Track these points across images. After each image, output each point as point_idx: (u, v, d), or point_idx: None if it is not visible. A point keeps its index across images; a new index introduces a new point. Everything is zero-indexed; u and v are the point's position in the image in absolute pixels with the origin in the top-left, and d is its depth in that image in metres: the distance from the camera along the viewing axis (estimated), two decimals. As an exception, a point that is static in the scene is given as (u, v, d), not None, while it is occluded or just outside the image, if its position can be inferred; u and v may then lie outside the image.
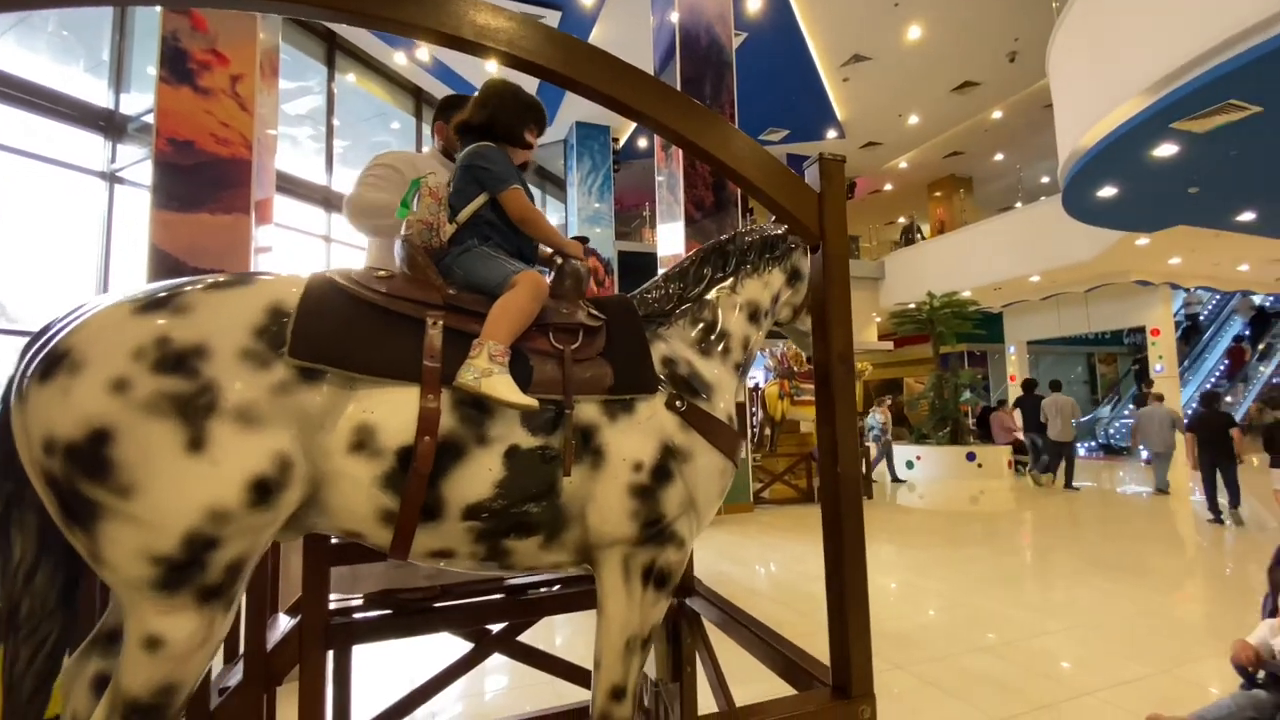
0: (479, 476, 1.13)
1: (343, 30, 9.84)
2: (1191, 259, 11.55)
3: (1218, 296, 17.84)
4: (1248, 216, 8.81)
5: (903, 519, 7.98)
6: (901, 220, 17.28)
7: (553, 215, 14.48)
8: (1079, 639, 3.58)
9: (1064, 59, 7.41)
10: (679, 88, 8.01)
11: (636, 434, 1.24)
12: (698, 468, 1.29)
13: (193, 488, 0.94)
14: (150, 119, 5.63)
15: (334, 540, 1.70)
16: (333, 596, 1.96)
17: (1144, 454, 10.56)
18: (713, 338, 1.48)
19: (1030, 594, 4.58)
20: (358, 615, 1.87)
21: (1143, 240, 10.03)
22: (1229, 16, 4.79)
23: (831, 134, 13.92)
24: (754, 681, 1.62)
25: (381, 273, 1.24)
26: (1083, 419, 16.21)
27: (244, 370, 1.01)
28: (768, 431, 9.57)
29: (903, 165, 16.23)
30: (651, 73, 8.78)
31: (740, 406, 7.62)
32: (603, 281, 12.65)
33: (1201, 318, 17.97)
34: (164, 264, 5.15)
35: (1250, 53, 4.77)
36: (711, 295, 1.52)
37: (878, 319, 16.34)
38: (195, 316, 1.02)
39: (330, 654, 2.14)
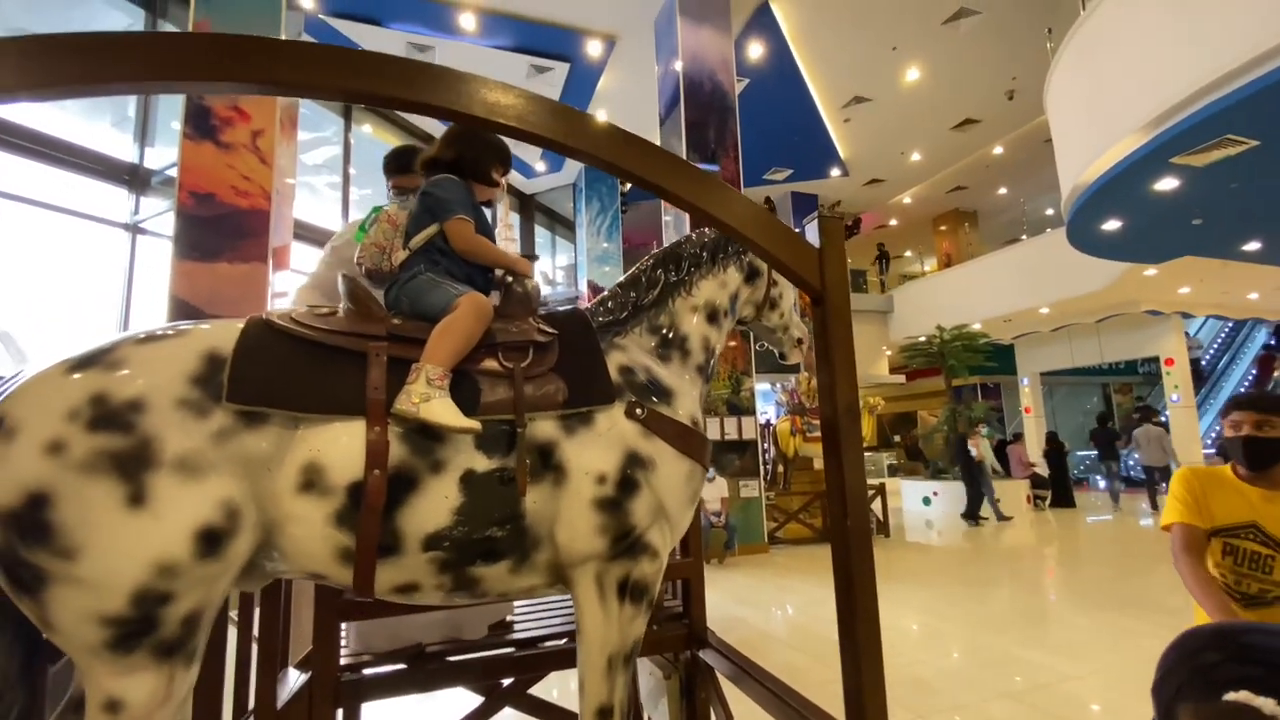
0: (436, 505, 1.12)
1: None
2: (1200, 288, 11.49)
3: (1224, 333, 17.70)
4: (1253, 246, 8.80)
5: (921, 558, 7.80)
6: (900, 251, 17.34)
7: (562, 256, 14.72)
8: (1106, 683, 3.45)
9: (1061, 97, 7.55)
10: (684, 133, 8.22)
11: (597, 446, 1.23)
12: (664, 474, 1.28)
13: (137, 544, 0.93)
14: (174, 173, 5.85)
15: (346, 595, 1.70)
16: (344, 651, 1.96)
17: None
18: (671, 342, 1.48)
19: (1054, 634, 4.44)
20: (368, 671, 1.86)
21: (1150, 271, 10.01)
22: (1222, 54, 4.89)
23: (835, 172, 14.15)
24: (769, 737, 1.59)
25: (322, 310, 1.25)
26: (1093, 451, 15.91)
27: (182, 420, 1.00)
28: (780, 469, 9.46)
29: (907, 201, 16.41)
30: (657, 119, 9.04)
31: (749, 440, 7.44)
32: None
33: (1204, 361, 17.74)
34: (184, 312, 5.29)
35: (1244, 89, 4.85)
36: (667, 300, 1.52)
37: (888, 352, 16.29)
38: (129, 371, 1.01)
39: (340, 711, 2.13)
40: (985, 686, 3.47)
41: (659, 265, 1.56)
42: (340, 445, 1.09)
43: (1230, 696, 1.04)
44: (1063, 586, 6.12)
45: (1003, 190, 16.07)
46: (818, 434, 9.17)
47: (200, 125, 5.91)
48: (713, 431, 7.66)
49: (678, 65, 8.28)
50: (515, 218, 13.87)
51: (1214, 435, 14.45)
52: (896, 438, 20.01)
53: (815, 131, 12.38)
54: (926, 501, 11.35)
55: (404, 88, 1.03)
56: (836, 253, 1.29)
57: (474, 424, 1.14)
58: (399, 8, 8.82)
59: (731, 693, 1.80)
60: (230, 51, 0.92)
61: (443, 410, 1.12)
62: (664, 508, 1.29)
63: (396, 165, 2.05)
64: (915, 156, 13.93)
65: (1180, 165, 5.95)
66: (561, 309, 1.53)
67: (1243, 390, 13.53)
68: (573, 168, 13.34)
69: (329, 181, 10.19)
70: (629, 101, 10.47)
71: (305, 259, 7.88)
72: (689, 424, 1.37)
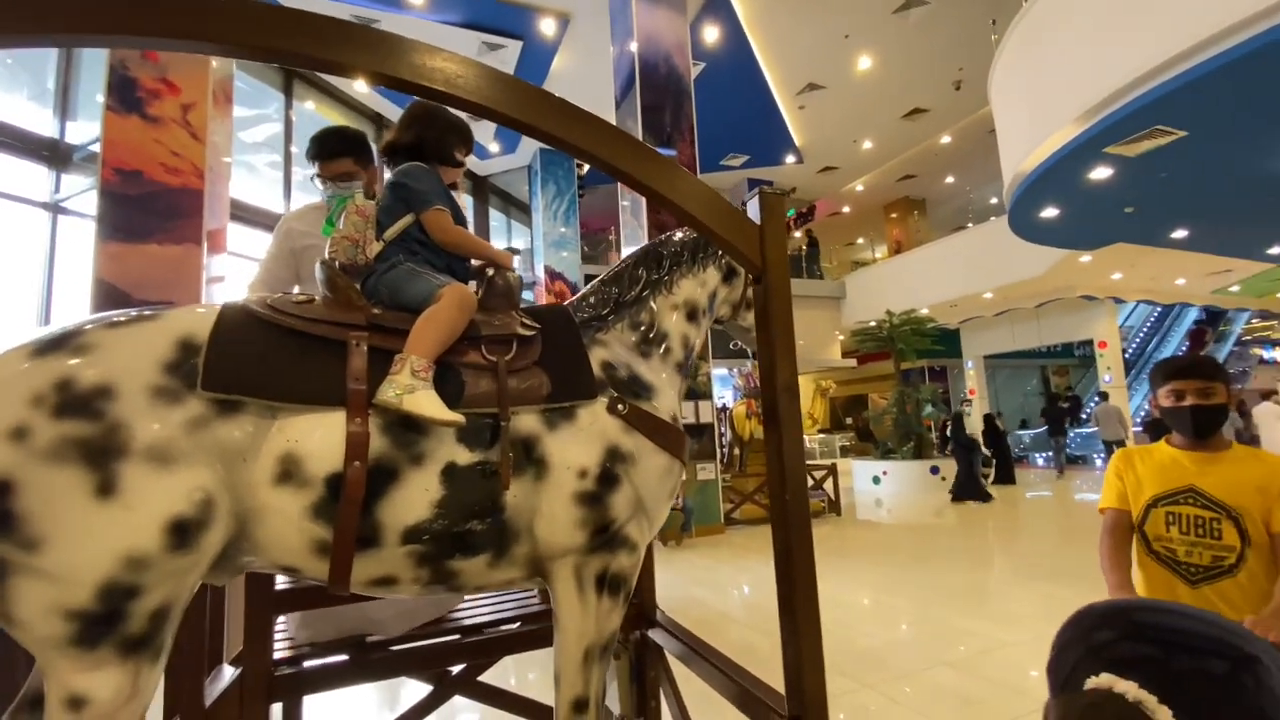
0: (416, 498, 1.11)
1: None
2: (1131, 274, 12.12)
3: (1153, 318, 18.75)
4: (1180, 234, 9.31)
5: (871, 535, 8.06)
6: (797, 235, 17.50)
7: (518, 240, 14.48)
8: (1040, 649, 3.62)
9: (1004, 88, 7.79)
10: (640, 116, 8.15)
11: (579, 441, 1.24)
12: (644, 469, 1.29)
13: (105, 535, 0.90)
14: (97, 148, 5.48)
15: (278, 586, 1.63)
16: (283, 643, 1.89)
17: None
18: (652, 339, 1.49)
19: (994, 605, 4.65)
20: (308, 663, 1.80)
21: (1085, 257, 10.50)
22: (1154, 47, 5.11)
23: (790, 159, 14.29)
24: (720, 713, 1.61)
25: (300, 297, 1.21)
26: (1039, 430, 16.72)
27: (154, 408, 0.97)
28: (736, 451, 9.60)
29: (859, 188, 16.73)
30: (613, 101, 8.93)
31: (706, 423, 7.54)
32: (569, 305, 12.65)
33: (1127, 354, 18.56)
34: (110, 297, 4.97)
35: (1174, 81, 5.09)
36: (648, 297, 1.53)
37: (840, 337, 16.67)
38: (97, 356, 0.98)
39: (280, 705, 2.06)
40: (930, 656, 3.61)
41: (640, 263, 1.57)
42: (319, 436, 1.07)
43: (1092, 682, 1.08)
44: (1004, 560, 6.41)
45: (950, 179, 16.56)
46: (773, 417, 9.32)
47: (125, 97, 5.53)
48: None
49: (633, 46, 8.18)
50: (468, 200, 13.54)
51: (1143, 414, 15.31)
52: (848, 420, 20.57)
53: (771, 118, 12.47)
54: (876, 481, 11.71)
55: (323, 47, 0.97)
56: (777, 230, 1.29)
57: (458, 417, 1.12)
58: (343, -21, 8.45)
59: (680, 671, 1.82)
60: (133, 1, 0.85)
61: (427, 402, 1.10)
62: (643, 502, 1.30)
63: (320, 151, 1.92)
64: (867, 145, 14.19)
65: (1113, 155, 6.22)
66: (544, 305, 1.50)
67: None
68: (528, 149, 13.09)
69: (270, 161, 9.73)
70: (584, 83, 10.30)
71: (243, 242, 7.53)
72: (669, 420, 1.37)
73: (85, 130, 6.53)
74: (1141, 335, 18.91)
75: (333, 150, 1.90)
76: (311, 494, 1.04)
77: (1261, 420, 10.68)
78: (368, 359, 1.14)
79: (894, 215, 17.90)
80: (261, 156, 9.77)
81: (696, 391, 7.91)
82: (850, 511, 9.57)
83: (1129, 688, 0.99)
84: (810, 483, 9.16)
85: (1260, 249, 10.50)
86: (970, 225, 14.86)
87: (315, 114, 10.96)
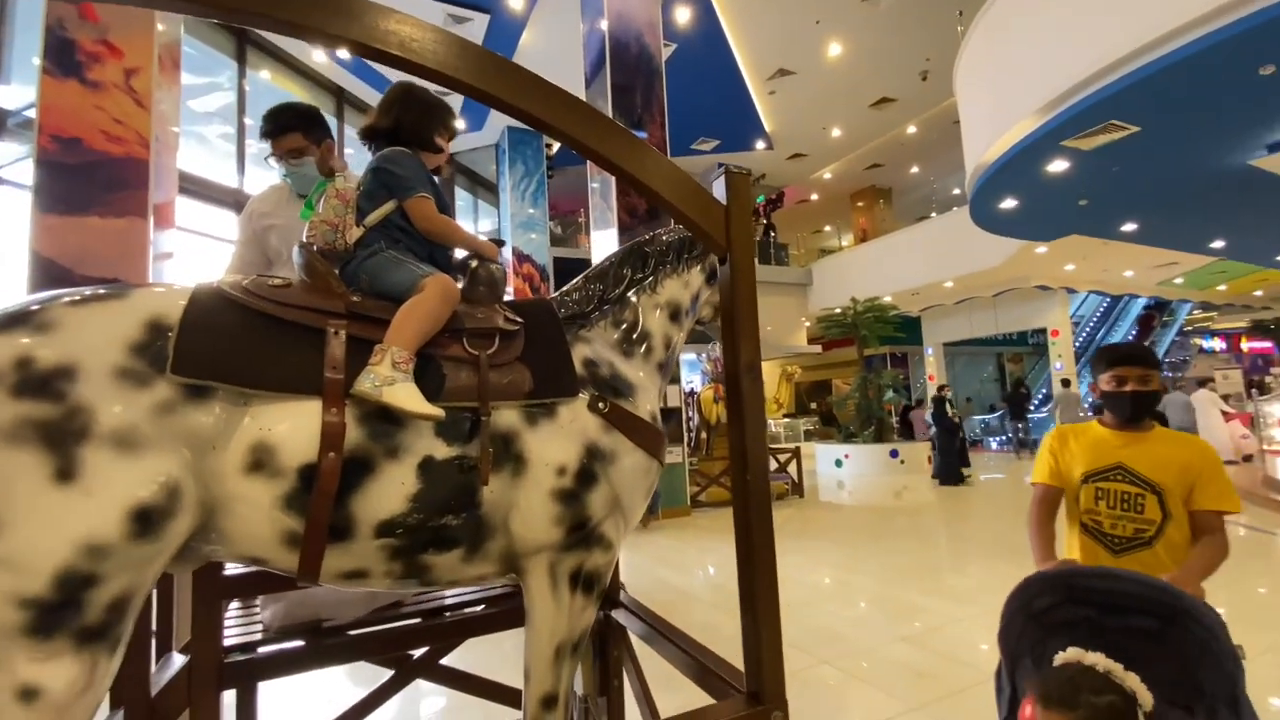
0: (391, 491, 1.09)
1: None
2: (1084, 266, 12.55)
3: (1102, 308, 19.50)
4: (1130, 227, 9.66)
5: (833, 516, 8.25)
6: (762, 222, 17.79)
7: (485, 221, 14.22)
8: (991, 623, 3.77)
9: (968, 80, 7.92)
10: (610, 96, 8.03)
11: (559, 438, 1.23)
12: (623, 468, 1.29)
13: (64, 521, 0.87)
14: (32, 114, 5.15)
15: (226, 571, 1.58)
16: (238, 629, 1.83)
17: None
18: (634, 338, 1.48)
19: (949, 583, 4.82)
20: (262, 650, 1.75)
21: (1041, 248, 10.82)
22: (1108, 43, 5.25)
23: (760, 145, 14.32)
24: (682, 691, 1.62)
25: (276, 281, 1.17)
26: (995, 415, 17.29)
27: (120, 390, 0.93)
28: (703, 435, 9.68)
29: (827, 176, 16.89)
30: (583, 80, 8.78)
31: (674, 408, 7.60)
32: (538, 288, 12.51)
33: (1076, 344, 19.38)
34: (49, 273, 4.71)
35: (1127, 77, 5.24)
36: (632, 296, 1.52)
37: (807, 324, 16.90)
38: (61, 334, 0.93)
39: (235, 693, 2.01)
40: (886, 631, 3.72)
41: (625, 262, 1.56)
42: (293, 425, 1.03)
43: (1061, 657, 1.14)
44: (958, 539, 6.64)
45: (915, 169, 16.83)
46: (739, 401, 9.42)
47: (63, 61, 5.20)
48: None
49: (603, 24, 8.04)
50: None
51: (1090, 399, 15.96)
52: (813, 404, 20.94)
53: (742, 103, 12.45)
54: (839, 464, 11.98)
55: (275, 5, 0.92)
56: (742, 209, 1.28)
57: (437, 411, 1.10)
58: (298, -59, 8.06)
59: (643, 651, 1.83)
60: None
61: (406, 395, 1.08)
62: (620, 500, 1.29)
63: (271, 127, 1.83)
64: (836, 132, 14.30)
65: (1069, 148, 6.40)
66: (527, 299, 1.48)
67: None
68: (495, 127, 12.80)
69: (222, 133, 9.31)
70: (552, 61, 10.10)
71: (194, 217, 7.22)
72: (648, 419, 1.37)
73: (21, 95, 6.14)
74: (1091, 325, 19.66)
75: (283, 125, 1.82)
76: (283, 484, 1.02)
77: (1198, 406, 11.25)
78: (346, 348, 1.11)
79: (861, 204, 18.14)
80: (213, 128, 9.34)
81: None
82: (813, 494, 9.78)
83: (1097, 659, 1.07)
84: (774, 466, 9.34)
85: (1204, 243, 10.99)
86: (934, 215, 15.17)
87: (271, 84, 10.51)
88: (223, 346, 1.03)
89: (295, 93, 10.77)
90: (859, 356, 12.64)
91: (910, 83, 12.18)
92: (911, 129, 14.25)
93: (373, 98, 11.59)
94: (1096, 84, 5.48)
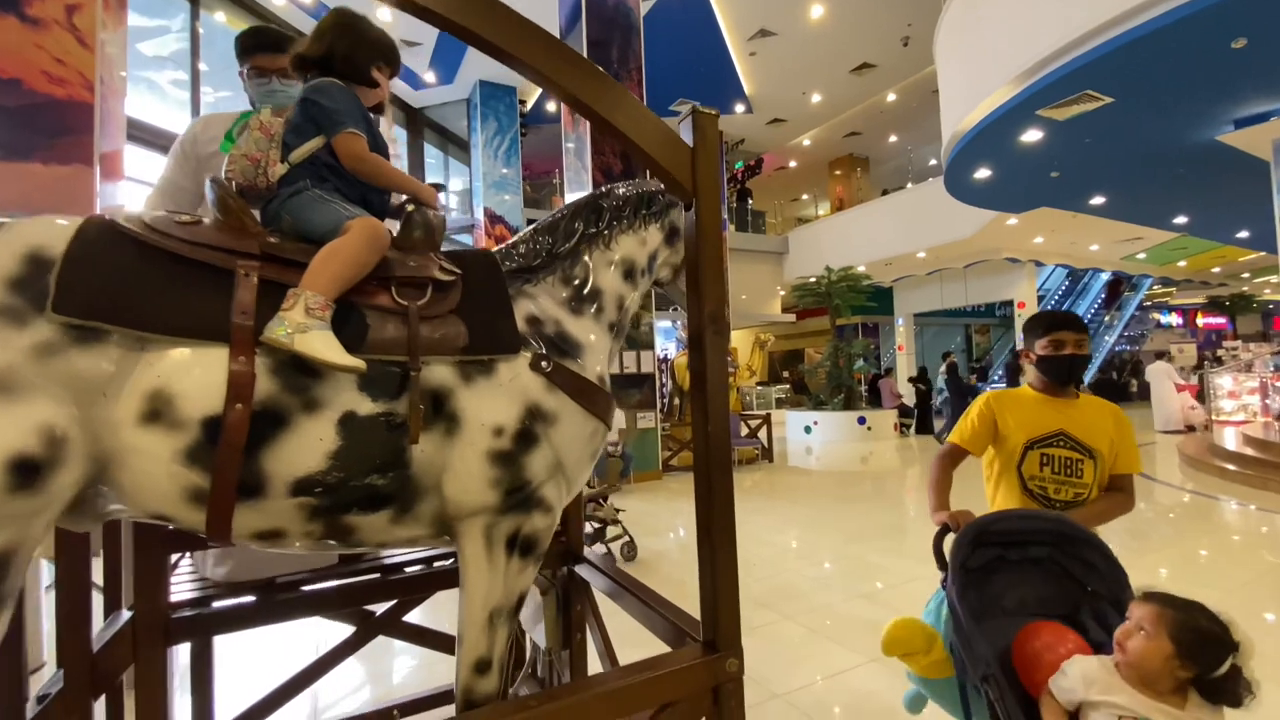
0: (307, 447, 1.03)
1: (208, -37, 8.76)
2: (1052, 239, 12.76)
3: (1067, 281, 19.96)
4: (1098, 200, 9.81)
5: (800, 480, 8.41)
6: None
7: (456, 180, 13.83)
8: (947, 583, 3.92)
9: (947, 45, 7.84)
10: (585, 52, 7.78)
11: (497, 397, 1.18)
12: (565, 430, 1.25)
13: None
14: (-39, 49, 4.78)
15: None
16: (192, 583, 1.79)
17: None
18: (584, 296, 1.42)
19: (908, 543, 4.96)
20: (214, 605, 1.71)
21: (1012, 220, 10.95)
22: (1087, 11, 5.22)
23: (740, 108, 14.10)
24: (643, 645, 1.63)
25: (185, 217, 1.09)
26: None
27: None
28: (677, 401, 9.73)
29: (806, 143, 16.75)
30: (558, 34, 8.46)
31: (647, 374, 7.56)
32: (510, 251, 12.26)
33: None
34: (-15, 221, 4.44)
35: (1103, 46, 5.23)
36: (584, 251, 1.45)
37: (782, 292, 16.95)
38: None
39: (188, 647, 1.97)
40: (848, 590, 3.83)
41: (578, 215, 1.48)
42: (196, 374, 0.96)
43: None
44: (919, 503, 6.82)
45: (893, 138, 16.77)
46: (712, 368, 9.46)
47: (-8, -10, 4.82)
48: (612, 366, 7.68)
49: (579, -26, 7.73)
50: (400, 133, 12.76)
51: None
52: (785, 373, 21.20)
53: (721, 64, 12.19)
54: (808, 430, 12.19)
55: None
56: (709, 153, 1.23)
57: (357, 362, 1.03)
58: None
59: (606, 607, 1.84)
60: None
61: (322, 344, 1.00)
62: (562, 464, 1.25)
63: (255, 42, 1.70)
64: (816, 98, 14.13)
65: (1044, 118, 6.41)
66: (469, 249, 1.40)
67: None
68: (466, 81, 12.35)
69: (174, 79, 8.79)
70: (526, 13, 9.71)
71: (143, 166, 6.86)
72: (595, 381, 1.32)
73: (-54, 27, 5.68)
74: (1057, 298, 20.13)
75: (264, 43, 1.69)
76: (185, 437, 0.96)
77: (1153, 377, 11.65)
78: (257, 292, 1.03)
79: (838, 172, 18.08)
80: (166, 74, 8.81)
81: (638, 342, 7.91)
82: (782, 459, 9.94)
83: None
84: (745, 431, 9.47)
85: (1168, 218, 11.23)
86: (910, 185, 15.20)
87: (227, 27, 9.94)
88: (114, 285, 0.95)
89: (252, 37, 10.21)
90: (831, 326, 12.76)
91: (891, 49, 12.04)
92: (891, 97, 14.16)
93: (337, 46, 11.07)
94: (1072, 53, 5.46)
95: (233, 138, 1.23)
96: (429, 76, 12.10)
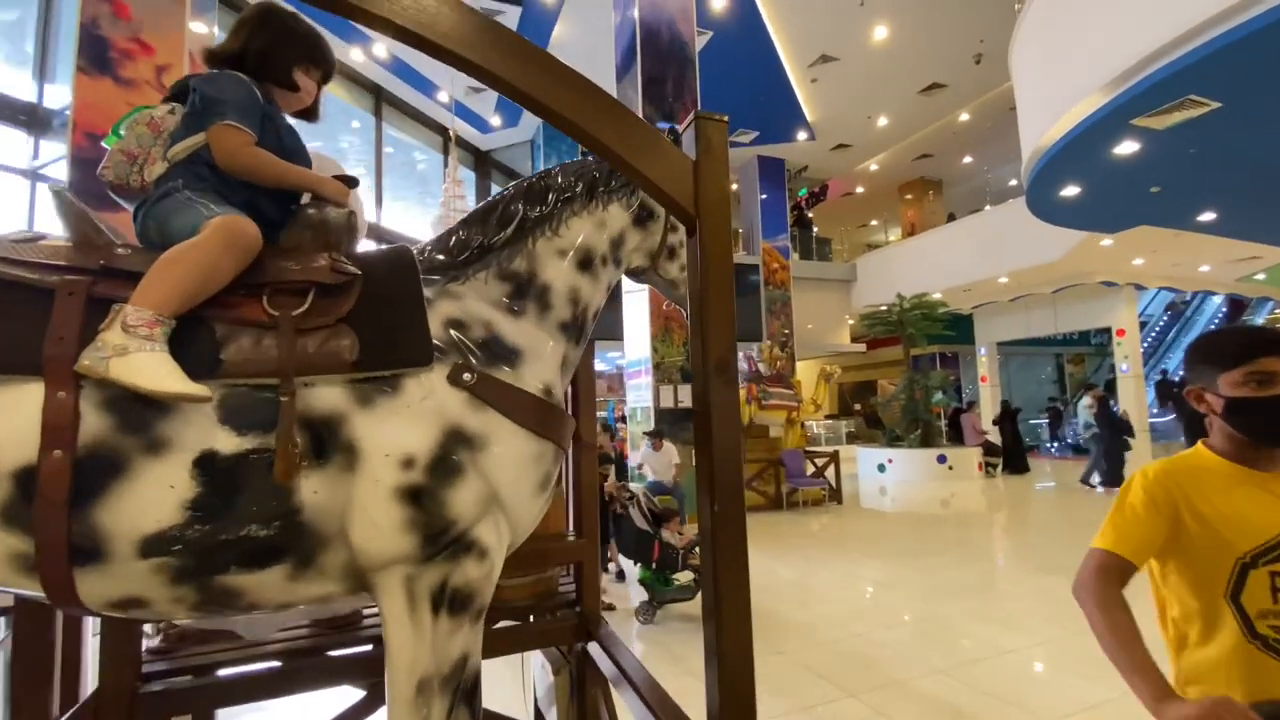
0: (155, 497, 0.87)
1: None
2: (1154, 260, 11.60)
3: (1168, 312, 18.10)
4: (1208, 217, 8.82)
5: (873, 524, 7.81)
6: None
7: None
8: (1042, 656, 3.39)
9: (1025, 57, 7.34)
10: (640, 87, 7.78)
11: (403, 420, 0.98)
12: (499, 455, 1.03)
13: None
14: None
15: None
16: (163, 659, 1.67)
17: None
18: (527, 291, 1.21)
19: (997, 605, 4.39)
20: (223, 672, 1.57)
21: (1107, 241, 10.03)
22: (1188, 9, 4.69)
23: (802, 135, 13.80)
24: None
25: (24, 234, 0.97)
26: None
27: None
28: (737, 437, 9.35)
29: (873, 168, 16.19)
30: (615, 73, 8.55)
31: (686, 409, 7.28)
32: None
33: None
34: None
35: (1208, 45, 4.67)
36: (524, 239, 1.23)
37: (850, 321, 16.27)
38: None
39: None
40: (925, 662, 3.37)
41: (517, 198, 1.27)
42: (3, 415, 0.83)
43: None
44: (1012, 555, 6.14)
45: (968, 159, 15.97)
46: (773, 402, 9.05)
47: (96, 58, 5.28)
48: (666, 399, 7.46)
49: (634, 12, 7.79)
50: (468, 175, 13.25)
51: (1154, 410, 14.86)
52: (856, 406, 20.23)
53: (782, 92, 11.99)
54: (881, 468, 11.43)
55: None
56: (716, 166, 1.02)
57: (197, 389, 0.86)
58: (332, -61, 8.10)
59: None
60: None
61: (146, 368, 0.84)
62: (498, 497, 1.04)
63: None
64: (882, 121, 13.66)
65: (1140, 128, 5.80)
66: (381, 249, 1.21)
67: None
68: (530, 123, 12.73)
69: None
70: (585, 53, 9.90)
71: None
72: (538, 394, 1.12)
73: (63, 95, 6.32)
74: (1162, 324, 18.34)
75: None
76: None
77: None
78: (85, 313, 0.88)
79: (909, 196, 17.36)
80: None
81: (689, 374, 7.66)
82: (853, 500, 9.32)
83: None
84: (811, 470, 8.94)
85: (1293, 234, 9.97)
86: (988, 207, 14.34)
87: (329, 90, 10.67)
88: None
89: (334, 91, 10.91)
90: (905, 356, 12.04)
91: (962, 67, 11.49)
92: (964, 116, 13.49)
93: (410, 95, 11.67)
94: (1172, 54, 4.91)
95: (120, 132, 1.11)
96: (494, 120, 12.56)
